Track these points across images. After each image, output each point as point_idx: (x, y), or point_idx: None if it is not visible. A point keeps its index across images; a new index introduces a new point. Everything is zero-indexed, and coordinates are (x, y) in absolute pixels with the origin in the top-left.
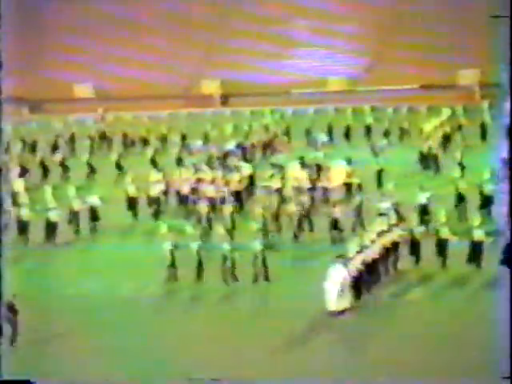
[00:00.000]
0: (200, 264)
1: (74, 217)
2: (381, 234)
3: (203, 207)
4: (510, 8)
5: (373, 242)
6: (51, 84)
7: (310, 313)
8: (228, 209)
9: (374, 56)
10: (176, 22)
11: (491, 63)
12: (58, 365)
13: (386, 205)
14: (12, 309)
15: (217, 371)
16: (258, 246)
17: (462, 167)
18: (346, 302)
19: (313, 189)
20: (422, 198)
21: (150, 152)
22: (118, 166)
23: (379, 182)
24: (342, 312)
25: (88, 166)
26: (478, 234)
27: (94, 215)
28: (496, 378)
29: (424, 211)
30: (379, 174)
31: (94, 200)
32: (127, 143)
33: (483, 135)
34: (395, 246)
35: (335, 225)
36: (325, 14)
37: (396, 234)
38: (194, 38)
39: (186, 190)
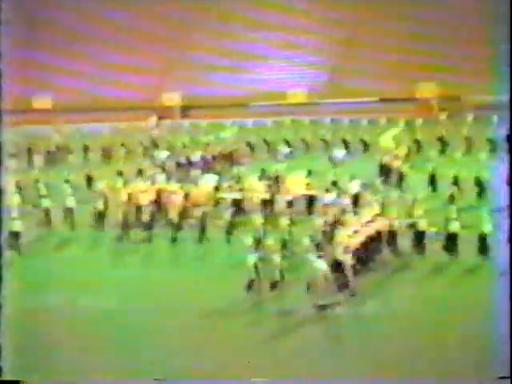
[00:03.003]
0: (282, 276)
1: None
2: (366, 224)
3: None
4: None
5: (356, 232)
6: (8, 96)
7: None
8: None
9: (333, 69)
10: (137, 36)
11: (449, 76)
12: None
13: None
14: None
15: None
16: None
17: (401, 177)
18: (330, 295)
19: (270, 201)
20: (355, 186)
21: (116, 163)
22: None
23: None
24: (327, 306)
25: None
26: (454, 226)
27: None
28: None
29: (355, 199)
30: (334, 185)
31: None
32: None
33: (442, 148)
34: (379, 235)
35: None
36: (284, 27)
37: (380, 224)
38: (155, 51)
39: (145, 201)
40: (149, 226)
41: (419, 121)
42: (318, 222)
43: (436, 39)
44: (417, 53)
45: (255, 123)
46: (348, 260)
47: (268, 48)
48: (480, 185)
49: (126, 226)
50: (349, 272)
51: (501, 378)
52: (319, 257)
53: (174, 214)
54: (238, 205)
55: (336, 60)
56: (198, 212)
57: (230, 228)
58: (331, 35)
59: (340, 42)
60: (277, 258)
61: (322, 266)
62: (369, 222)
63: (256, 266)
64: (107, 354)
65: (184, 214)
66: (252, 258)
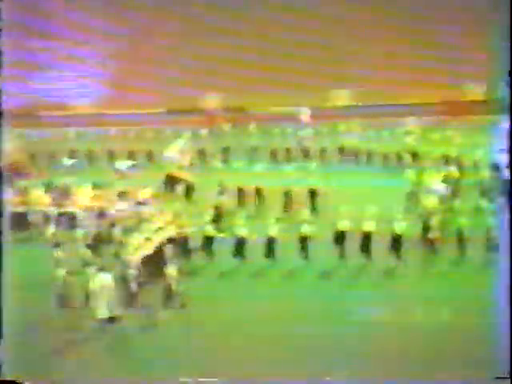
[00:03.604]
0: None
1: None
2: (157, 231)
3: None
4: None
5: (148, 239)
6: None
7: None
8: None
9: (119, 80)
10: None
11: (233, 88)
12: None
13: None
14: None
15: None
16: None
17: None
18: (116, 308)
19: (64, 213)
20: (142, 196)
21: None
22: None
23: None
24: (114, 319)
25: None
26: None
27: None
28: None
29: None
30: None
31: None
32: None
33: (225, 156)
34: (171, 242)
35: None
36: (70, 37)
37: (172, 232)
38: None
39: None
40: None
41: (204, 131)
42: (116, 232)
43: (223, 53)
44: (204, 64)
45: (40, 134)
46: (172, 270)
47: (56, 57)
48: (259, 193)
49: None
50: (172, 281)
51: (500, 378)
52: (102, 268)
53: None
54: (22, 218)
55: (122, 71)
56: None
57: None
58: (117, 46)
59: (122, 54)
60: (92, 272)
61: (106, 277)
62: (159, 229)
63: (65, 280)
64: None
65: None
66: (61, 272)
